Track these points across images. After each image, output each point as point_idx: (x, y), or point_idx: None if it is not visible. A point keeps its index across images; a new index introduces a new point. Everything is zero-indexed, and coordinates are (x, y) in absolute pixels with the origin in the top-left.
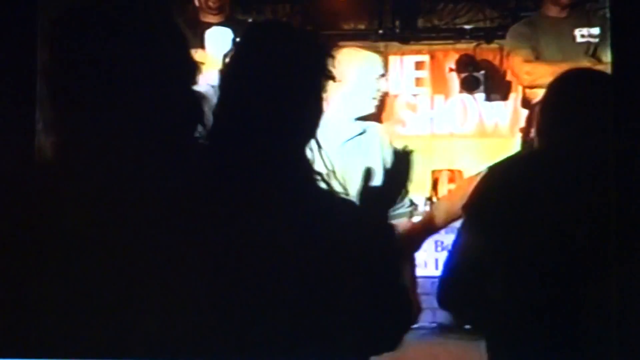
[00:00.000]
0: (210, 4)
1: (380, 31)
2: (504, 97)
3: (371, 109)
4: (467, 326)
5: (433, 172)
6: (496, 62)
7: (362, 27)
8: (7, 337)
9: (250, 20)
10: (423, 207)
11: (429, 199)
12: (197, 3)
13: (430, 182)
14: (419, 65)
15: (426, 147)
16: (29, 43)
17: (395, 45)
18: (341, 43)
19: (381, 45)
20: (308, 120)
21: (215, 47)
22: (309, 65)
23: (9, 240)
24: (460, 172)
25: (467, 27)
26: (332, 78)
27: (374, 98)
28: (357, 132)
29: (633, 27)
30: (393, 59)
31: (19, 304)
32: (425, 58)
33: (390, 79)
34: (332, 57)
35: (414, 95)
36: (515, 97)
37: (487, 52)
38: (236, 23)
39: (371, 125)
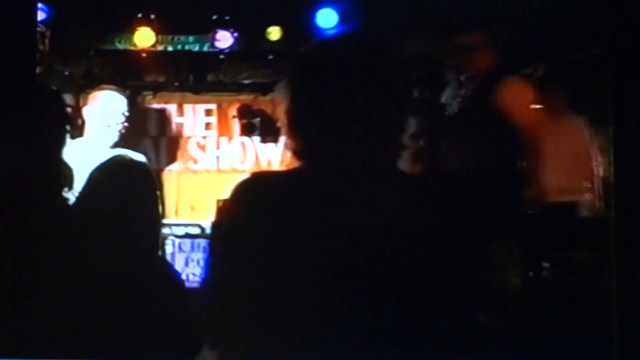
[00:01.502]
0: None
1: (177, 83)
2: (276, 140)
3: (116, 138)
4: None
5: (217, 201)
6: (270, 111)
7: (162, 79)
8: (7, 337)
9: (66, 73)
10: (209, 231)
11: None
12: None
13: (215, 210)
14: (208, 113)
15: (213, 180)
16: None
17: (189, 95)
18: (104, 86)
19: (177, 95)
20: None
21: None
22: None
23: (8, 244)
24: None
25: (246, 82)
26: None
27: (119, 129)
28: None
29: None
30: (187, 107)
31: (19, 305)
32: (213, 107)
33: (185, 124)
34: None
35: (204, 137)
36: (283, 140)
37: (263, 102)
38: (57, 76)
39: (125, 151)
